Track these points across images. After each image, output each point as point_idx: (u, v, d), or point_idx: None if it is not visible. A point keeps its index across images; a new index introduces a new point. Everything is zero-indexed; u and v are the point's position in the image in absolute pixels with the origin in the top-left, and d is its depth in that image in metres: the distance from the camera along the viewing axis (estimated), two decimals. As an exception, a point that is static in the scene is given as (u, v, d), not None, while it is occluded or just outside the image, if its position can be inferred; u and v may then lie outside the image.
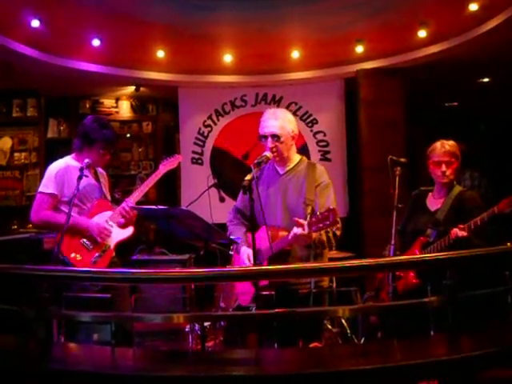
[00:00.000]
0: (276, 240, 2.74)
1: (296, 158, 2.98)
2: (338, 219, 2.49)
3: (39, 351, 1.87)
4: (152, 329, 4.01)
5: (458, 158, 3.01)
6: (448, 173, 2.98)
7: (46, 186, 3.22)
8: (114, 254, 3.23)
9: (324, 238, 2.72)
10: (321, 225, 2.50)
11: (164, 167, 3.30)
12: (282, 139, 2.85)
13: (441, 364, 1.67)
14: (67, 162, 3.31)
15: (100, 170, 3.48)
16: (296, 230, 2.58)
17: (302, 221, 2.57)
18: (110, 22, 4.69)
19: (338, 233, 2.78)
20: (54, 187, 3.21)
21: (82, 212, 3.25)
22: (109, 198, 3.36)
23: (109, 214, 3.23)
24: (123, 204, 3.20)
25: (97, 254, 3.16)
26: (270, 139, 2.84)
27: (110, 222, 3.21)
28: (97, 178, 3.38)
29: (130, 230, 3.23)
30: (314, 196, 2.77)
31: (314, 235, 2.63)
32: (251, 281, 2.53)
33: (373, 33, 5.08)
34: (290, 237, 2.62)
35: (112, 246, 3.22)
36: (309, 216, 2.58)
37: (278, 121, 2.86)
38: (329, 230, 2.65)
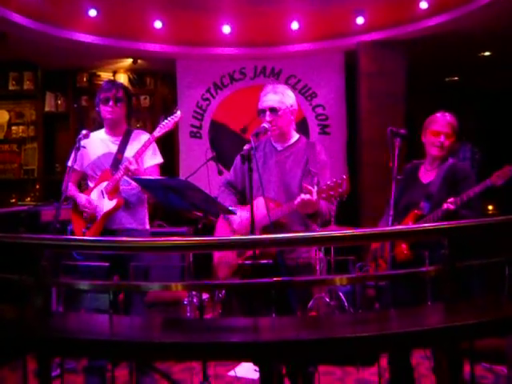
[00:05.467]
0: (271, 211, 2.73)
1: (295, 135, 2.97)
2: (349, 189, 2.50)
3: (39, 320, 1.88)
4: (150, 301, 4.04)
5: (455, 133, 2.96)
6: (445, 144, 2.92)
7: (69, 159, 3.29)
8: (102, 225, 3.19)
9: (327, 209, 2.75)
10: (332, 192, 2.50)
11: (161, 129, 3.20)
12: (279, 113, 2.82)
13: (436, 332, 1.69)
14: (95, 133, 3.33)
15: (138, 133, 3.38)
16: (304, 196, 2.56)
17: (310, 187, 2.56)
18: (106, -9, 4.62)
19: (333, 213, 2.81)
20: (72, 160, 3.27)
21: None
22: (131, 164, 3.08)
23: (105, 184, 3.23)
24: (125, 163, 3.14)
25: (88, 225, 3.23)
26: (268, 113, 2.82)
27: (104, 193, 3.22)
28: (122, 145, 3.29)
29: (113, 202, 3.20)
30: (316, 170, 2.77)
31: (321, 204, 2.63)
32: (249, 249, 2.54)
33: (373, 4, 5.01)
34: (296, 202, 2.60)
35: (99, 218, 3.20)
36: (317, 185, 2.57)
37: (278, 95, 2.84)
38: (333, 200, 2.67)
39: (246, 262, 2.72)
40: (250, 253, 2.68)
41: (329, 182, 2.53)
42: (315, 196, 2.53)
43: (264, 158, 2.90)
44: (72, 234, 3.30)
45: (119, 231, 3.22)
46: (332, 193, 2.50)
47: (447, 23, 5.18)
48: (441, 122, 2.94)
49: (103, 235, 3.16)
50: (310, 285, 2.49)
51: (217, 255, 2.94)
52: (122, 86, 3.37)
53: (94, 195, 3.25)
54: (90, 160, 3.29)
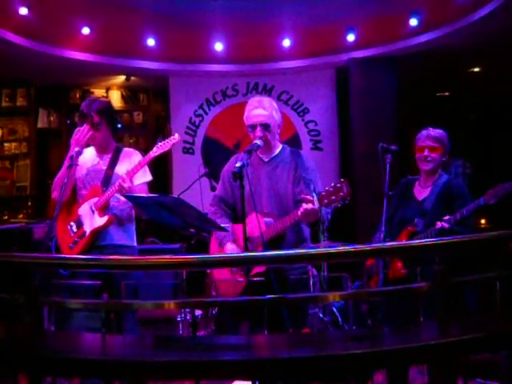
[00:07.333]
0: (270, 225, 2.73)
1: (279, 145, 2.99)
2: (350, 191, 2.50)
3: (30, 339, 1.87)
4: (142, 318, 4.01)
5: (443, 145, 2.97)
6: (430, 158, 2.94)
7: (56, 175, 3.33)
8: (91, 241, 3.16)
9: (325, 213, 2.76)
10: (334, 197, 2.51)
11: (158, 149, 3.20)
12: (270, 128, 2.85)
13: (430, 348, 1.68)
14: (86, 149, 3.30)
15: (128, 152, 3.36)
16: (306, 206, 2.57)
17: (309, 197, 2.57)
18: (99, 9, 4.65)
19: (330, 216, 2.81)
20: (63, 178, 3.24)
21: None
22: (124, 182, 3.06)
23: (95, 200, 3.21)
24: (119, 180, 3.13)
25: (75, 240, 3.18)
26: (259, 128, 2.82)
27: (94, 209, 3.20)
28: (112, 162, 3.28)
29: (104, 219, 3.19)
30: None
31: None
32: (243, 266, 2.53)
33: (364, 21, 5.08)
34: (299, 212, 2.59)
35: (88, 233, 3.17)
36: (315, 192, 2.58)
37: (267, 110, 2.85)
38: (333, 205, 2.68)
39: (254, 279, 2.69)
40: (256, 270, 2.67)
41: (327, 188, 2.54)
42: (317, 204, 2.54)
43: (253, 170, 2.90)
44: (56, 248, 3.24)
45: (108, 247, 3.20)
46: (334, 198, 2.51)
47: (437, 40, 5.26)
48: (422, 138, 3.00)
49: (91, 251, 3.14)
50: (303, 301, 2.48)
51: (216, 275, 2.92)
52: (96, 109, 3.22)
53: (84, 210, 3.23)
54: (80, 173, 3.28)
